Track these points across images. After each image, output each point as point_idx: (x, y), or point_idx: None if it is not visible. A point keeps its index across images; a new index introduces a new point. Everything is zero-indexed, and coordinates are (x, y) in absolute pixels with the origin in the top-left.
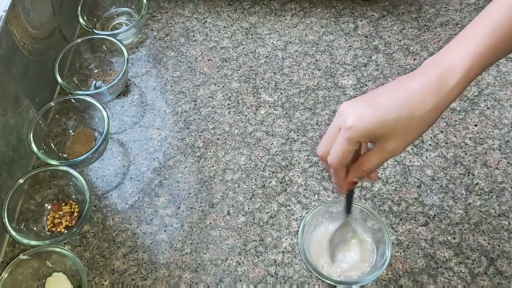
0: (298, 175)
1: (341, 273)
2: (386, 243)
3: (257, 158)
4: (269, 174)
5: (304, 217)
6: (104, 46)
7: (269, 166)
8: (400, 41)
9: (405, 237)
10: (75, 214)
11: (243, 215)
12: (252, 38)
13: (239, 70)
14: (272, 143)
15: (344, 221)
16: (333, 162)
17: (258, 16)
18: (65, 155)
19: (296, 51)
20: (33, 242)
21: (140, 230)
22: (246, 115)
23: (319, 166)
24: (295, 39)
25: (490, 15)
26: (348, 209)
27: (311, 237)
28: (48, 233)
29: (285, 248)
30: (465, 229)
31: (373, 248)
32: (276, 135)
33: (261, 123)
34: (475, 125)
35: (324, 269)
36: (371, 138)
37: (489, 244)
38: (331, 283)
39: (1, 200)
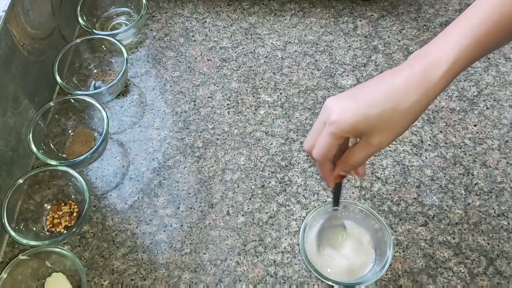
0: (297, 175)
1: (342, 274)
2: (387, 243)
3: (257, 158)
4: (269, 174)
5: (304, 218)
6: (103, 46)
7: (269, 166)
8: (399, 41)
9: (404, 237)
10: (75, 214)
11: (242, 215)
12: (251, 38)
13: (238, 70)
14: (271, 143)
15: (332, 214)
16: (317, 156)
17: (257, 16)
18: (64, 155)
19: (296, 51)
20: (33, 242)
21: (140, 230)
22: (246, 115)
23: None
24: (295, 39)
25: (476, 10)
26: (335, 202)
27: (311, 238)
28: (47, 233)
29: (285, 248)
30: (465, 229)
31: (372, 248)
32: (276, 135)
33: (261, 123)
34: (475, 125)
35: (325, 269)
36: (355, 133)
37: (488, 244)
38: (332, 284)
39: (0, 200)
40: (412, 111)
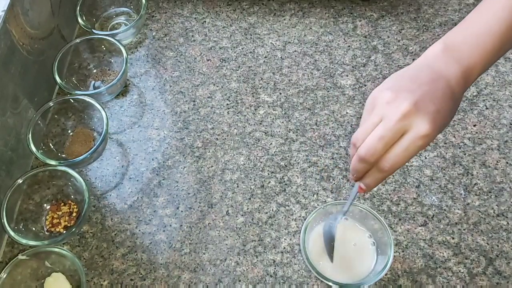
0: (297, 175)
1: (343, 274)
2: (388, 243)
3: (256, 158)
4: (268, 174)
5: (304, 217)
6: (103, 46)
7: (268, 166)
8: (399, 41)
9: (404, 237)
10: (74, 214)
11: (242, 215)
12: (251, 38)
13: (238, 70)
14: (271, 143)
15: (343, 216)
16: (393, 166)
17: (257, 16)
18: (64, 155)
19: (295, 51)
20: (32, 242)
21: (139, 230)
22: (245, 115)
23: (318, 166)
24: (294, 39)
25: (503, 7)
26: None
27: (312, 239)
28: (47, 233)
29: (284, 248)
30: (464, 229)
31: (373, 248)
32: (275, 135)
33: (260, 123)
34: (474, 125)
35: (326, 270)
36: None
37: (487, 244)
38: (333, 284)
39: (0, 200)
40: (456, 109)
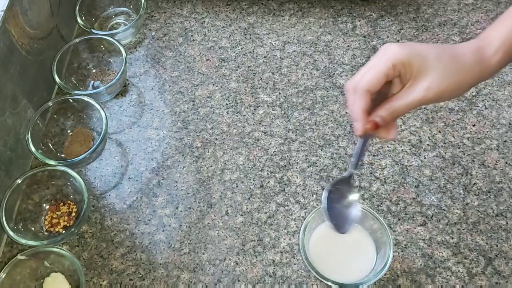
0: (296, 175)
1: (342, 274)
2: (387, 243)
3: (256, 158)
4: (268, 174)
5: (303, 217)
6: (102, 46)
7: (268, 166)
8: (398, 41)
9: (403, 237)
10: (73, 214)
11: (241, 215)
12: (250, 38)
13: (237, 70)
14: (270, 143)
15: (348, 174)
16: (361, 82)
17: (256, 16)
18: (63, 155)
19: (295, 51)
20: (31, 242)
21: (138, 230)
22: (245, 115)
23: (317, 166)
24: (294, 39)
25: None
26: (358, 161)
27: (311, 239)
28: (46, 233)
29: (284, 248)
30: (463, 229)
31: (372, 248)
32: (275, 135)
33: (259, 123)
34: (473, 125)
35: (325, 270)
36: (409, 67)
37: (487, 244)
38: (332, 284)
39: None
40: (466, 70)
